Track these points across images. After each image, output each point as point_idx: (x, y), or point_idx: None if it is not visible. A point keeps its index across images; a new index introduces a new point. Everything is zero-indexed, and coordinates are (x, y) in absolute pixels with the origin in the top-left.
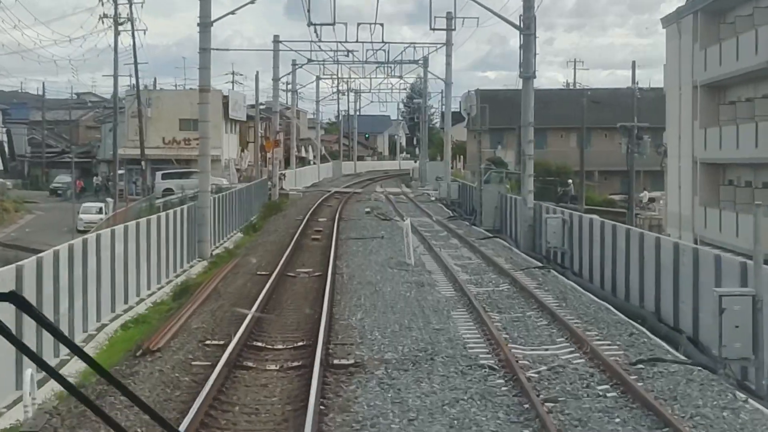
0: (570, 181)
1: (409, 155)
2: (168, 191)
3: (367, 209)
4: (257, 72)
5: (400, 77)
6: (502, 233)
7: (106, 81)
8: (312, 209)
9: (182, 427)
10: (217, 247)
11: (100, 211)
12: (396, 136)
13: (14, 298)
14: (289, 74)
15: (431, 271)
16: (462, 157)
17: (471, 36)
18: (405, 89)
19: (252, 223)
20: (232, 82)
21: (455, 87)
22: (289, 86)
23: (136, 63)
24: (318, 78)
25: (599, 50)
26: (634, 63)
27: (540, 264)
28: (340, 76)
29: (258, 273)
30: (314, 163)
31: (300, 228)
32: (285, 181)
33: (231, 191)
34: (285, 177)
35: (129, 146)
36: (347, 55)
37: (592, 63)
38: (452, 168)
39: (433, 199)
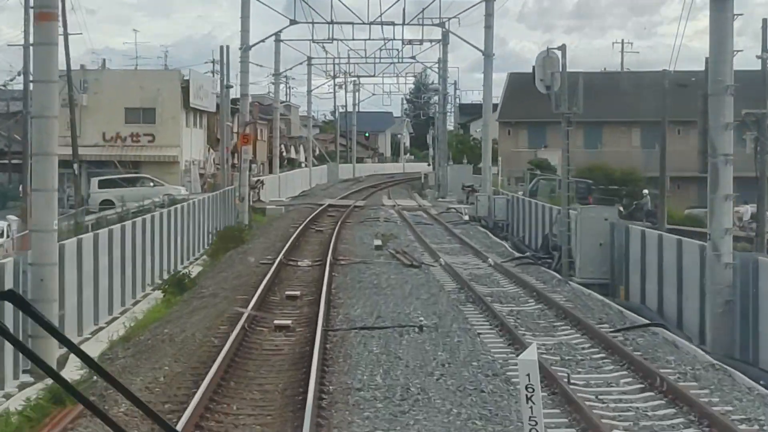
0: (646, 191)
1: (413, 157)
2: (106, 204)
3: (378, 241)
4: (225, 47)
5: (413, 58)
6: (614, 293)
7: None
8: (292, 239)
9: None
10: (94, 334)
11: (1, 234)
12: (399, 135)
13: (12, 296)
14: (264, 41)
15: None
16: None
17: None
18: (415, 75)
19: (182, 274)
20: (212, 71)
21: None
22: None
23: (66, 32)
24: (309, 60)
25: (597, 52)
26: (765, 21)
27: None
28: (337, 55)
29: None
30: (305, 166)
31: (262, 286)
32: (263, 191)
33: (156, 213)
34: (263, 185)
35: (59, 143)
36: None
37: (590, 65)
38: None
39: (466, 218)
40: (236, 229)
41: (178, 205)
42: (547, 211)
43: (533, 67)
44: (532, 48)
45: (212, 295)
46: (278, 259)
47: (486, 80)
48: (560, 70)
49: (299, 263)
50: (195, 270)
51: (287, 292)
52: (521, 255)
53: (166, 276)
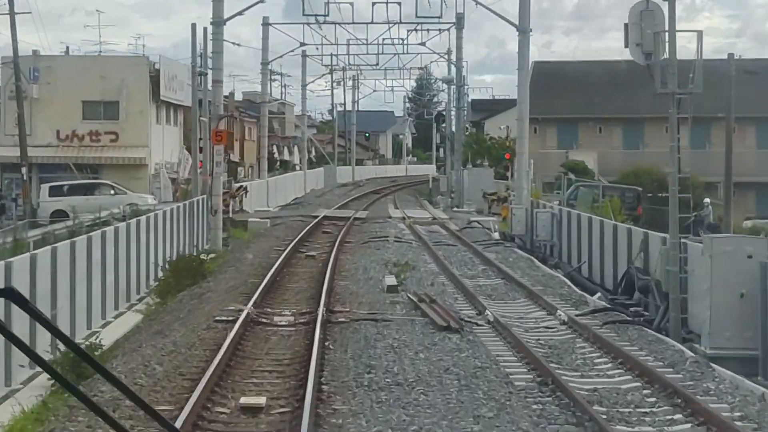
0: (707, 201)
1: (416, 158)
2: (58, 215)
3: (390, 278)
4: (203, 28)
5: (423, 44)
6: (766, 374)
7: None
8: (271, 272)
9: None
10: None
11: None
12: (401, 136)
13: (10, 293)
14: (242, 13)
15: None
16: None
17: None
18: (421, 69)
19: (87, 346)
20: (195, 65)
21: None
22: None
23: (12, 11)
24: (302, 46)
25: (596, 53)
26: None
27: None
28: (335, 42)
29: None
30: (300, 168)
31: (204, 382)
32: (247, 199)
33: (76, 239)
34: (247, 192)
35: (7, 144)
36: None
37: None
38: (501, 177)
39: (496, 236)
40: (194, 258)
41: (111, 227)
42: (624, 234)
43: (625, 25)
44: (531, 48)
45: (114, 401)
46: (245, 311)
47: (522, 62)
48: (666, 29)
49: (276, 319)
50: (127, 324)
51: (244, 400)
52: (607, 306)
53: (88, 332)
